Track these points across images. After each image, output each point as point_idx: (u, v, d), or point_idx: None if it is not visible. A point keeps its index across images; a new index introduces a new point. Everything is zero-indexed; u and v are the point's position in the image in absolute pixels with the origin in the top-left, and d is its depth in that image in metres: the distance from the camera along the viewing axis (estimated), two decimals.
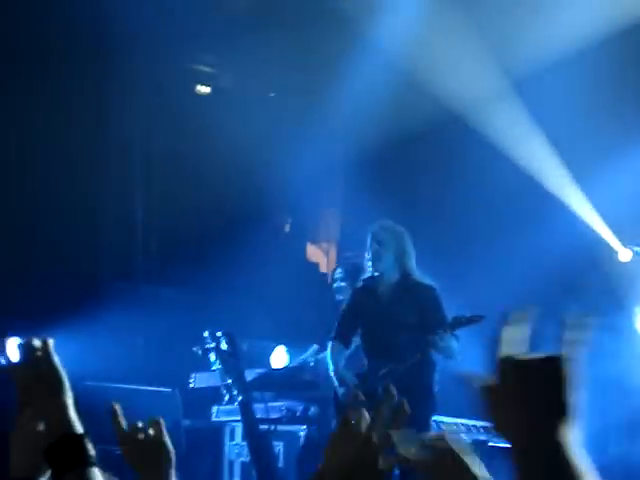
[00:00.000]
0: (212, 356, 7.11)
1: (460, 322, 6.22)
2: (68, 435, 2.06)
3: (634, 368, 7.52)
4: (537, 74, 8.35)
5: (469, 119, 8.77)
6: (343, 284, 7.46)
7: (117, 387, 7.04)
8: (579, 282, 7.94)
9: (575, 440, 1.21)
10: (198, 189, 8.96)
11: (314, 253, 10.81)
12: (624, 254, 8.46)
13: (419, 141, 9.42)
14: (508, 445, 1.24)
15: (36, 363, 2.15)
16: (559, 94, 8.34)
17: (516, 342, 1.28)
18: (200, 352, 7.16)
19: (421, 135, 9.17)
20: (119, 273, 9.16)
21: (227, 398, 7.17)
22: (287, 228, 10.59)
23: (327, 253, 10.81)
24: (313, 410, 7.27)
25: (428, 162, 9.71)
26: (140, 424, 2.57)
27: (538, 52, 8.32)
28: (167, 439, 2.51)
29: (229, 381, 7.13)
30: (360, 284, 6.73)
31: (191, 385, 8.00)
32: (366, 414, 1.90)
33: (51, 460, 2.06)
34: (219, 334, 7.12)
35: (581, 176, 8.62)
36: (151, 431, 2.57)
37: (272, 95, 10.18)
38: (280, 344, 8.27)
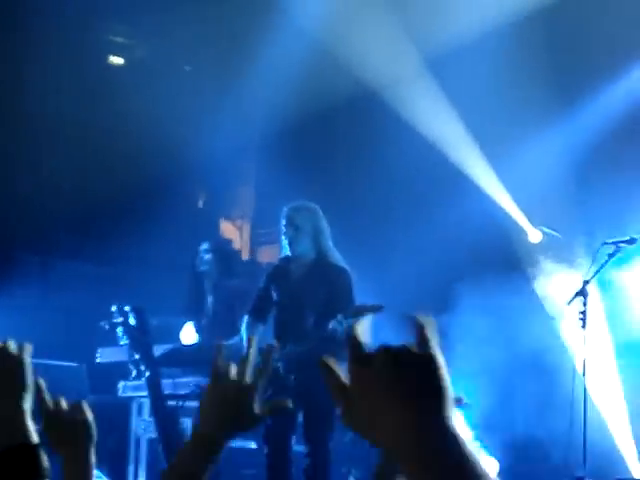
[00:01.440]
0: (119, 331, 7.01)
1: (360, 310, 6.22)
2: (22, 445, 1.95)
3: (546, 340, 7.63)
4: (452, 53, 8.38)
5: (385, 97, 8.78)
6: (208, 256, 7.63)
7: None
8: (490, 260, 8.00)
9: (459, 423, 1.12)
10: (111, 162, 8.82)
11: (228, 229, 10.74)
12: (534, 235, 8.56)
13: (335, 118, 9.41)
14: (386, 450, 1.13)
15: (4, 361, 2.02)
16: (473, 74, 8.39)
17: (365, 334, 1.19)
18: (107, 327, 7.06)
19: (337, 112, 9.17)
20: (29, 246, 8.98)
21: (134, 373, 7.09)
22: (200, 204, 10.50)
23: (241, 230, 10.76)
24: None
25: (344, 139, 9.71)
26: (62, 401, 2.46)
27: (453, 31, 8.35)
28: (90, 415, 2.37)
29: (136, 356, 7.04)
30: (277, 263, 6.75)
31: (98, 360, 7.89)
32: (233, 366, 1.90)
33: (1, 470, 1.93)
34: (127, 309, 7.02)
35: (493, 156, 8.69)
36: (71, 408, 2.45)
37: (187, 69, 10.06)
38: (190, 320, 8.20)
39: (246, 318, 6.61)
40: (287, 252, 6.62)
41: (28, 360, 2.06)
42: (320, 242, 6.55)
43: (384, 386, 1.13)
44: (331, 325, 6.13)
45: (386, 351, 1.15)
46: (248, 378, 1.89)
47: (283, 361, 6.28)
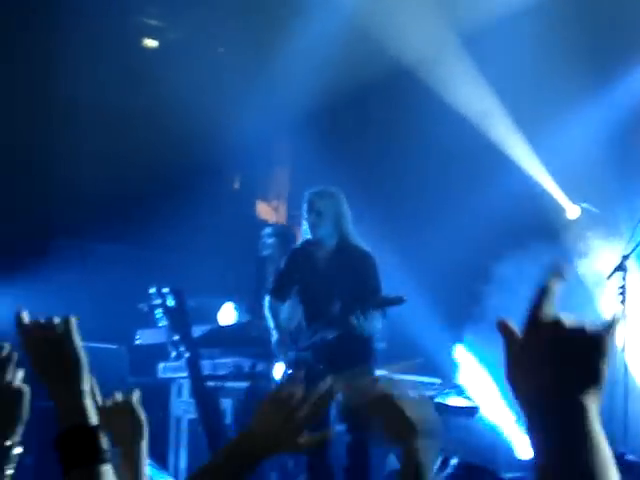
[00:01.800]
0: (158, 313, 7.05)
1: (384, 302, 6.25)
2: (80, 427, 1.96)
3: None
4: (488, 30, 8.32)
5: (421, 75, 8.73)
6: (270, 240, 7.61)
7: None
8: (528, 238, 7.95)
9: (597, 412, 1.19)
10: (146, 145, 8.85)
11: (264, 210, 10.75)
12: (572, 211, 8.50)
13: (369, 97, 9.38)
14: (523, 407, 1.21)
15: (55, 343, 2.03)
16: (509, 51, 8.32)
17: (551, 301, 1.23)
18: (146, 309, 7.10)
19: (371, 91, 9.13)
20: (66, 231, 9.04)
21: (174, 355, 7.13)
22: (237, 185, 10.52)
23: (277, 210, 10.76)
24: (260, 366, 7.25)
25: (379, 118, 9.68)
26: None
27: (489, 8, 8.29)
28: (139, 409, 2.40)
29: (176, 338, 7.08)
30: (299, 246, 6.76)
31: (137, 342, 7.95)
32: (299, 390, 1.97)
33: (60, 451, 1.95)
34: (166, 290, 7.06)
35: (531, 133, 8.63)
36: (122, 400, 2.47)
37: (221, 50, 10.06)
38: (228, 301, 8.23)
39: (267, 298, 6.67)
40: (309, 236, 6.61)
41: (78, 341, 2.06)
42: (342, 226, 6.56)
43: (551, 352, 1.20)
44: (351, 320, 6.17)
45: (563, 323, 1.21)
46: (306, 411, 1.96)
47: (312, 350, 6.32)
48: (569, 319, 1.22)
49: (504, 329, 1.25)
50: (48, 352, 2.02)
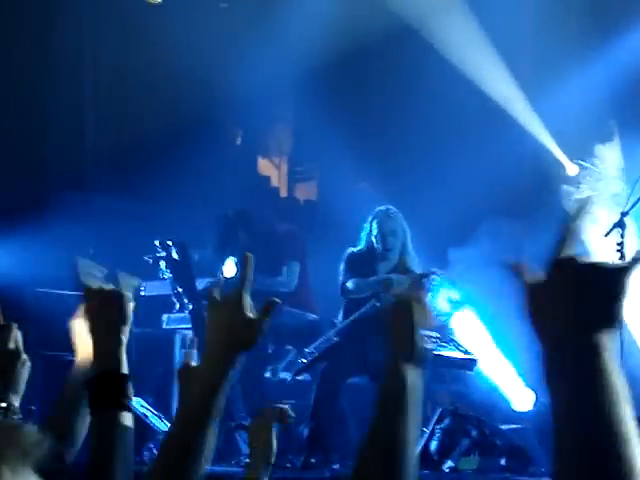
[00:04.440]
0: (163, 265, 7.13)
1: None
2: (114, 373, 2.08)
3: None
4: None
5: (422, 32, 8.76)
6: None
7: (67, 294, 7.04)
8: (528, 195, 8.03)
9: (615, 351, 1.21)
10: (148, 99, 8.89)
11: (265, 167, 10.81)
12: (571, 168, 8.56)
13: (371, 53, 9.40)
14: (543, 346, 1.23)
15: (112, 296, 2.17)
16: (510, 8, 8.35)
17: (573, 242, 1.27)
18: (151, 261, 7.18)
19: (373, 47, 9.15)
20: (68, 183, 9.10)
21: (178, 306, 7.23)
22: (238, 141, 10.56)
23: (278, 167, 10.82)
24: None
25: (380, 75, 9.71)
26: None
27: None
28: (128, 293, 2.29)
29: (179, 290, 7.17)
30: (356, 253, 7.06)
31: (141, 293, 8.02)
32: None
33: (90, 392, 2.06)
34: (170, 243, 7.14)
35: (531, 91, 8.67)
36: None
37: (224, 5, 10.07)
38: (232, 254, 8.29)
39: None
40: (375, 247, 6.94)
41: (129, 294, 2.20)
42: (406, 248, 6.98)
43: (572, 289, 1.23)
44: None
45: (584, 261, 1.24)
46: (233, 295, 1.99)
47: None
48: (589, 258, 1.24)
49: (519, 270, 1.28)
50: (102, 302, 2.16)
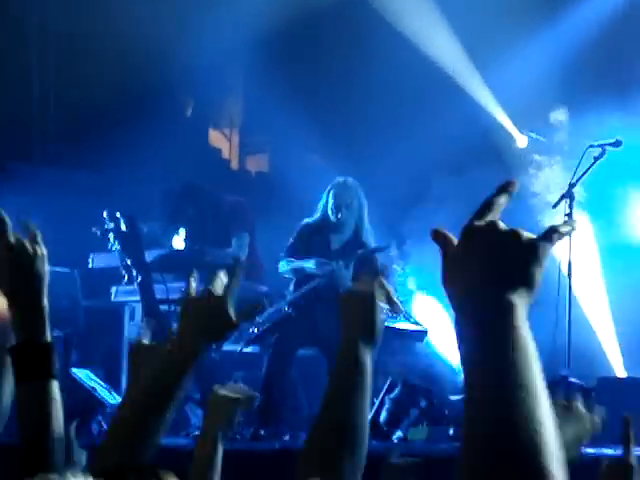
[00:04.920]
0: (111, 237, 7.07)
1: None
2: (38, 343, 2.00)
3: None
4: None
5: (372, 2, 8.74)
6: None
7: None
8: (476, 166, 8.05)
9: (525, 311, 1.20)
10: (97, 70, 8.78)
11: (216, 138, 10.74)
12: (521, 140, 8.61)
13: (323, 23, 9.37)
14: (455, 310, 1.23)
15: (22, 256, 2.00)
16: None
17: (495, 213, 1.26)
18: (99, 233, 7.11)
19: (325, 17, 9.12)
20: (16, 155, 8.98)
21: (126, 279, 7.18)
22: (189, 112, 10.48)
23: (229, 139, 10.76)
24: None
25: (332, 45, 9.67)
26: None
27: None
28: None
29: (128, 262, 7.12)
30: (313, 222, 7.04)
31: (90, 265, 7.96)
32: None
33: (16, 362, 1.99)
34: (118, 215, 7.07)
35: (480, 62, 8.69)
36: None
37: None
38: (181, 227, 8.25)
39: (284, 259, 7.00)
40: (330, 218, 6.92)
41: (41, 251, 2.05)
42: (361, 222, 6.96)
43: (483, 254, 1.23)
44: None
45: (497, 227, 1.24)
46: (219, 290, 2.07)
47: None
48: (504, 224, 1.24)
49: (439, 237, 1.28)
50: (15, 265, 2.00)
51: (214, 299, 2.06)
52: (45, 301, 2.02)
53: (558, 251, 7.26)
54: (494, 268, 1.22)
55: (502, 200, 1.27)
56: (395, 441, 6.52)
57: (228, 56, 9.69)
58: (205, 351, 2.08)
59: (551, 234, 1.25)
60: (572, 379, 6.62)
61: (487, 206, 1.26)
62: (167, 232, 7.85)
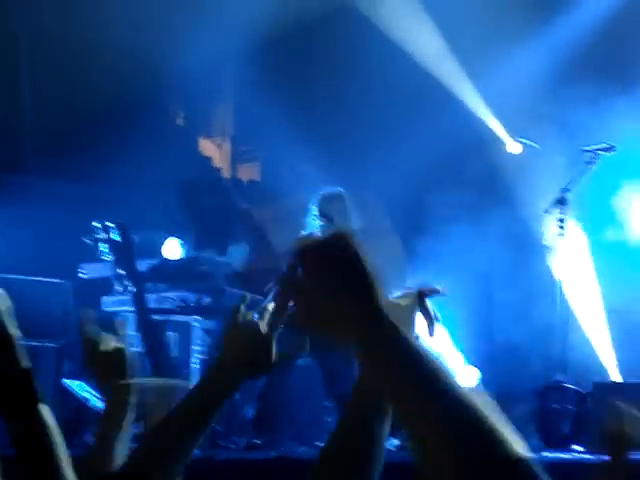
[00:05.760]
0: (103, 247, 7.03)
1: None
2: (16, 375, 1.90)
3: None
4: None
5: (363, 9, 8.72)
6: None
7: (6, 278, 6.91)
8: (466, 172, 8.05)
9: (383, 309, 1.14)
10: (89, 79, 8.75)
11: (207, 148, 10.72)
12: (513, 146, 8.60)
13: (314, 31, 9.36)
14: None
15: None
16: None
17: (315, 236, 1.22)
18: (91, 243, 7.07)
19: (316, 25, 9.11)
20: (6, 166, 8.94)
21: (119, 289, 7.14)
22: (180, 121, 10.45)
23: (221, 147, 10.74)
24: (206, 300, 7.29)
25: (323, 53, 9.66)
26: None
27: None
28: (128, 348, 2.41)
29: (120, 272, 7.08)
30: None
31: (82, 276, 7.92)
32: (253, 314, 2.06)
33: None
34: (110, 225, 7.03)
35: (472, 69, 8.68)
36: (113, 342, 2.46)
37: None
38: (172, 236, 8.22)
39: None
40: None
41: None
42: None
43: (317, 283, 1.17)
44: None
45: (301, 253, 1.19)
46: (266, 327, 2.03)
47: None
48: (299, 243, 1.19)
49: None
50: None
51: (260, 336, 2.02)
52: (12, 330, 1.92)
53: (552, 258, 7.25)
54: (324, 285, 1.17)
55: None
56: (392, 449, 6.49)
57: (219, 64, 9.67)
58: (237, 387, 2.04)
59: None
60: (567, 384, 6.60)
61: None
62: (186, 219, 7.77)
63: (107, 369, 2.45)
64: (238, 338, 2.03)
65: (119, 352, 2.49)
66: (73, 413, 6.21)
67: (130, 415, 2.39)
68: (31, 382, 1.92)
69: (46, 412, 1.92)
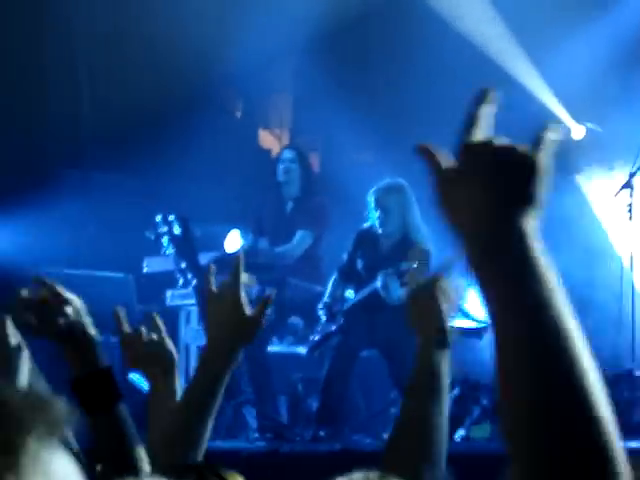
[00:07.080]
0: (165, 240, 7.05)
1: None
2: (98, 372, 2.06)
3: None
4: None
5: None
6: (293, 166, 7.63)
7: (70, 273, 6.97)
8: None
9: (536, 231, 1.14)
10: (145, 73, 8.77)
11: (266, 139, 10.70)
12: (577, 131, 8.45)
13: (370, 20, 9.28)
14: (461, 237, 1.15)
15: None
16: None
17: (480, 127, 1.20)
18: (153, 237, 7.09)
19: (372, 13, 9.04)
20: (67, 160, 9.00)
21: (181, 282, 7.15)
22: (239, 113, 10.44)
23: (280, 139, 10.70)
24: (268, 292, 7.26)
25: (380, 41, 9.57)
26: (142, 328, 2.54)
27: None
28: (168, 341, 2.49)
29: (183, 265, 7.08)
30: (366, 228, 6.95)
31: (144, 270, 7.96)
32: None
33: (79, 396, 2.02)
34: (171, 218, 7.05)
35: (535, 54, 8.55)
36: (152, 334, 2.52)
37: None
38: (233, 228, 8.23)
39: (335, 275, 6.97)
40: (376, 228, 6.85)
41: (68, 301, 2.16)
42: (407, 222, 6.77)
43: (482, 175, 1.16)
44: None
45: (494, 144, 1.18)
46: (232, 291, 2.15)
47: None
48: (500, 140, 1.18)
49: (427, 154, 1.21)
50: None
51: (227, 302, 2.13)
52: (90, 330, 2.09)
53: (620, 242, 7.11)
54: (496, 188, 1.15)
55: (484, 111, 1.21)
56: (458, 440, 6.42)
57: (276, 55, 9.64)
58: (237, 355, 2.12)
59: (540, 144, 1.19)
60: (638, 372, 6.48)
61: (471, 121, 1.20)
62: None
63: (148, 364, 2.51)
64: (217, 314, 2.14)
65: (159, 346, 2.53)
66: (139, 406, 6.24)
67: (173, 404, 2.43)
68: (112, 380, 1.99)
69: (124, 408, 2.00)
